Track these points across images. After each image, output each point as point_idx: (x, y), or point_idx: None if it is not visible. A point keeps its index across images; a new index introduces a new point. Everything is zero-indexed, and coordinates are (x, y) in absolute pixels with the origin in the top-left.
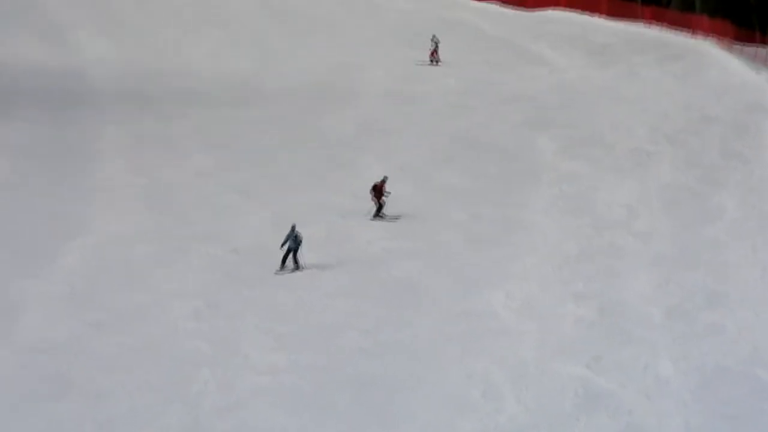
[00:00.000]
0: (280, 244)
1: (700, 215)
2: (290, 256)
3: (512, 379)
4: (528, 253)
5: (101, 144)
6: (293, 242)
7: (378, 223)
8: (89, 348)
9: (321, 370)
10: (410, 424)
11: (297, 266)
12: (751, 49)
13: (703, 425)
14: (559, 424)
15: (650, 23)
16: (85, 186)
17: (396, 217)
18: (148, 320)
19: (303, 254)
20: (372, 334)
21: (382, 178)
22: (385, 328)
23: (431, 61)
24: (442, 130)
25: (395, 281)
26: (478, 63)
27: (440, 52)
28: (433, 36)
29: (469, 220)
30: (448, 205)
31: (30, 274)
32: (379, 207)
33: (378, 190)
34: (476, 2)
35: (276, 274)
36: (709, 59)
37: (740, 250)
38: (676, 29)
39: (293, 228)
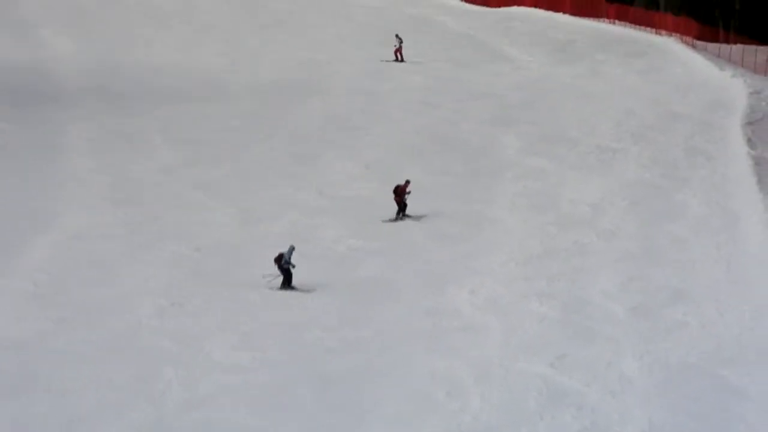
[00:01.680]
0: (281, 264)
1: (664, 212)
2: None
3: (476, 377)
4: (492, 251)
5: (67, 140)
6: (288, 263)
7: (343, 221)
8: (54, 345)
9: (285, 367)
10: (375, 422)
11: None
12: (714, 47)
13: (666, 422)
14: (523, 423)
15: (614, 21)
16: (50, 182)
17: (420, 217)
18: (113, 317)
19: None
20: (337, 332)
21: (405, 180)
22: (350, 326)
23: (396, 58)
24: (407, 127)
25: (360, 278)
26: (443, 60)
27: (406, 49)
28: (397, 34)
29: (433, 216)
30: (412, 202)
31: None
32: (402, 207)
33: (400, 192)
34: None
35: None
36: (673, 56)
37: (704, 248)
38: (640, 27)
39: (292, 249)
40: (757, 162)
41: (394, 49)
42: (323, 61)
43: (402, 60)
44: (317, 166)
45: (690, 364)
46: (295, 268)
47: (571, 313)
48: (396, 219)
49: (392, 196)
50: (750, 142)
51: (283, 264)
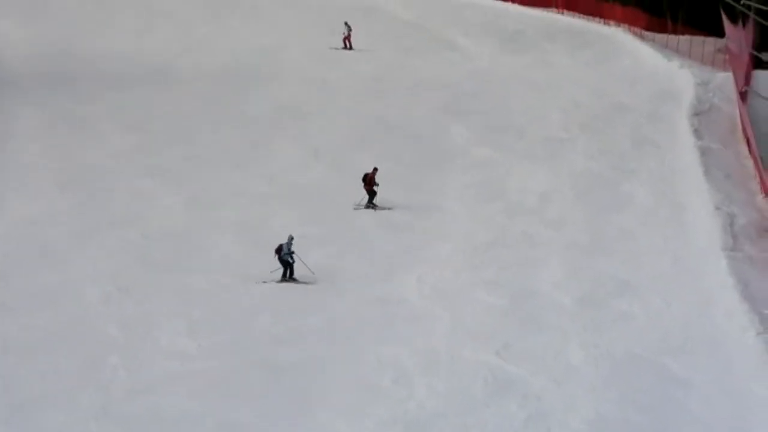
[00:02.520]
0: (280, 255)
1: (612, 203)
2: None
3: (423, 365)
4: (441, 240)
5: (16, 125)
6: (290, 257)
7: (292, 209)
8: None
9: (233, 354)
10: (322, 409)
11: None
12: (662, 38)
13: (612, 412)
14: (469, 411)
15: (563, 11)
16: None
17: (389, 208)
18: (59, 303)
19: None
20: (285, 319)
21: (372, 168)
22: (299, 313)
23: (345, 46)
24: (356, 115)
25: (309, 265)
26: (392, 49)
27: (355, 37)
28: (346, 22)
29: (382, 205)
30: (362, 190)
31: None
32: (372, 195)
33: (369, 181)
34: None
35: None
36: (621, 47)
37: (651, 239)
38: (588, 17)
39: (291, 239)
40: (704, 152)
41: (342, 36)
42: (274, 48)
43: (351, 48)
44: (267, 152)
45: (636, 355)
46: (294, 260)
47: (518, 303)
48: (367, 207)
49: (347, 182)
50: (697, 132)
51: (283, 255)
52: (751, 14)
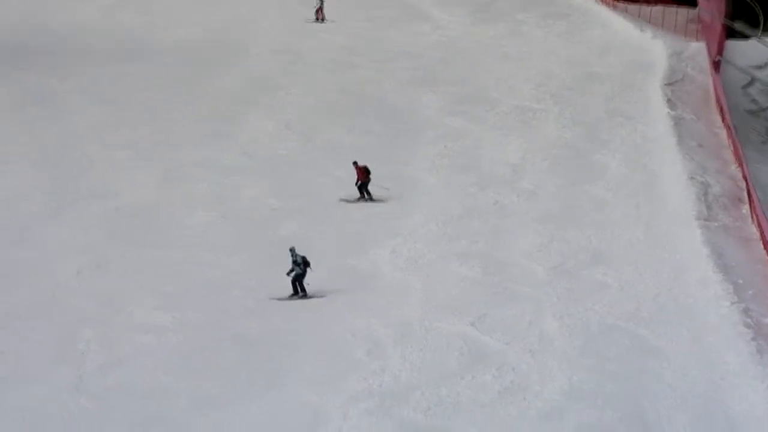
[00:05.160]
0: (286, 272)
1: (584, 173)
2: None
3: (397, 337)
4: (413, 211)
5: None
6: (299, 267)
7: (264, 181)
8: None
9: (205, 328)
10: (295, 383)
11: (304, 293)
12: (635, 8)
13: (586, 382)
14: (444, 382)
15: None
16: None
17: (386, 188)
18: (33, 278)
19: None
20: (257, 292)
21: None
22: (271, 287)
23: (317, 18)
24: (328, 87)
25: (281, 239)
26: (363, 20)
27: (326, 9)
28: None
29: (354, 177)
30: (333, 162)
31: None
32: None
33: (360, 176)
34: None
35: (286, 300)
36: (594, 17)
37: (624, 208)
38: None
39: (293, 252)
40: (677, 122)
41: (315, 8)
42: (246, 21)
43: (323, 20)
44: (239, 125)
45: (610, 324)
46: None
47: (492, 274)
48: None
49: (319, 155)
50: (670, 102)
51: (297, 272)
52: None
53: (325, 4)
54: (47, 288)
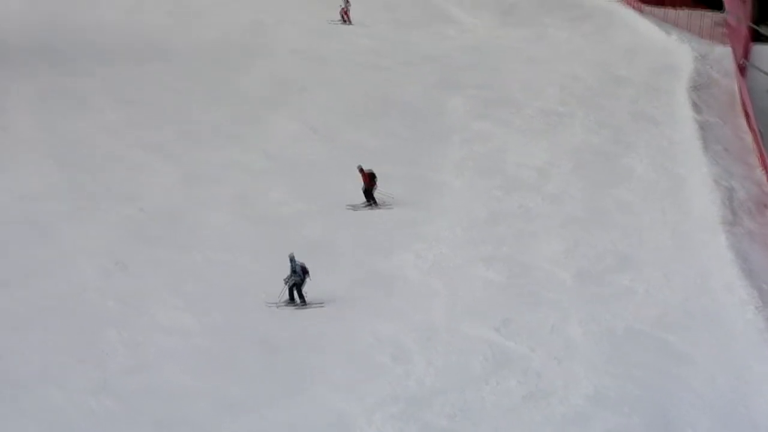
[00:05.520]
0: (284, 279)
1: (610, 177)
2: (296, 288)
3: (421, 342)
4: (438, 215)
5: (8, 100)
6: (297, 275)
7: (288, 184)
8: None
9: (229, 330)
10: (320, 387)
11: (303, 302)
12: (660, 11)
13: (611, 388)
14: (468, 387)
15: None
16: None
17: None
18: (56, 278)
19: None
20: (281, 296)
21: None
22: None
23: (342, 20)
24: (353, 90)
25: (305, 241)
26: (389, 22)
27: (353, 11)
28: None
29: (379, 180)
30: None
31: None
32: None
33: (367, 182)
34: None
35: (278, 306)
36: (619, 20)
37: (650, 213)
38: None
39: (292, 259)
40: (702, 126)
41: (340, 10)
42: (270, 23)
43: (349, 22)
44: (264, 128)
45: (635, 330)
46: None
47: (517, 278)
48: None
49: (344, 158)
50: (695, 106)
51: (295, 278)
52: None
53: (351, 6)
54: (71, 288)
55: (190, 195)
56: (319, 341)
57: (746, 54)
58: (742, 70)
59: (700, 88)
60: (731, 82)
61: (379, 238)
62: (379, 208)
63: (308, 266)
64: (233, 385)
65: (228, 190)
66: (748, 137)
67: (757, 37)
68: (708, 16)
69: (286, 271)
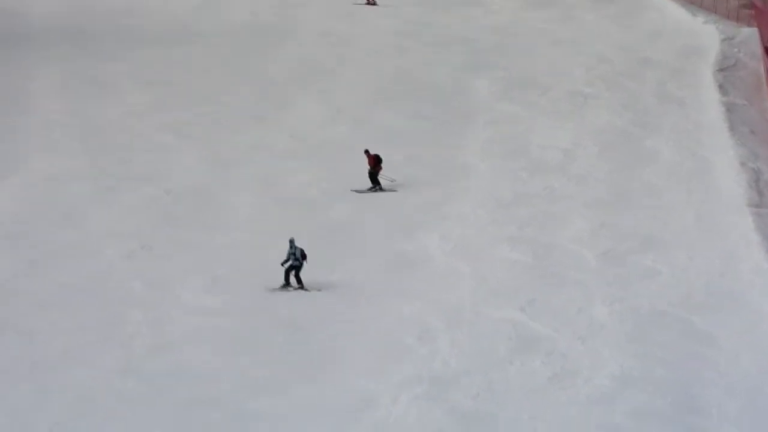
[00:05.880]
0: (281, 262)
1: (635, 159)
2: (293, 273)
3: (446, 322)
4: (463, 196)
5: (35, 83)
6: (295, 259)
7: (313, 166)
8: (23, 287)
9: (254, 312)
10: (344, 367)
11: (300, 286)
12: None
13: (636, 368)
14: (494, 368)
15: None
16: (18, 125)
17: (392, 180)
18: (82, 260)
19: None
20: (307, 276)
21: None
22: (320, 270)
23: (368, 1)
24: (379, 72)
25: (331, 223)
26: (414, 4)
27: None
28: None
29: (405, 161)
30: (384, 147)
31: None
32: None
33: (373, 165)
34: None
35: (276, 290)
36: (646, 2)
37: (675, 194)
38: None
39: (292, 243)
40: (729, 108)
41: None
42: (296, 4)
43: (374, 3)
44: (288, 109)
45: (660, 311)
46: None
47: (542, 259)
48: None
49: (370, 139)
50: (722, 88)
51: (293, 262)
52: None
53: None
54: (96, 270)
55: (215, 177)
56: (343, 322)
57: None
58: None
59: (726, 69)
60: (758, 64)
61: (404, 220)
62: (384, 192)
63: (331, 245)
64: (257, 365)
65: (254, 172)
66: None
67: None
68: None
69: (313, 251)
